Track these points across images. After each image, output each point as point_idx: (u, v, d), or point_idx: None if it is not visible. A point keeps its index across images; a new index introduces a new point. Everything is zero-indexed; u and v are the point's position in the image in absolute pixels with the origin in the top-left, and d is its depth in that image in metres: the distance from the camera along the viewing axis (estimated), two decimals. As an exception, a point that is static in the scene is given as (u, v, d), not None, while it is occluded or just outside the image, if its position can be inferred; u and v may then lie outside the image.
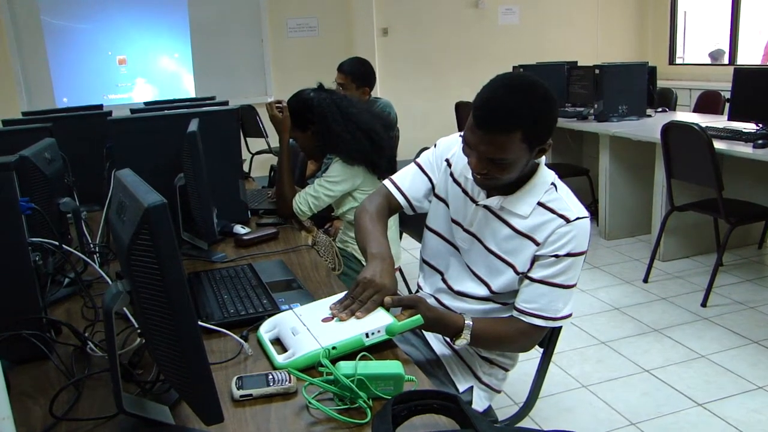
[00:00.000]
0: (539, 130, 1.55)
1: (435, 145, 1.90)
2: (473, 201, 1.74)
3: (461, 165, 1.76)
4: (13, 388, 1.35)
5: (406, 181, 1.90)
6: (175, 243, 0.98)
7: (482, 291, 1.73)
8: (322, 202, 2.68)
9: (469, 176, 1.71)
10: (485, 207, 1.71)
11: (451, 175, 1.82)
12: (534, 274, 1.63)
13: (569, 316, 1.64)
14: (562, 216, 1.61)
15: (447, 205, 1.83)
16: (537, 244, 1.62)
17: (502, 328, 1.66)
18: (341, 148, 2.64)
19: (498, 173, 1.57)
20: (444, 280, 1.83)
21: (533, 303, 1.62)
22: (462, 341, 1.60)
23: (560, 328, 1.78)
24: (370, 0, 7.39)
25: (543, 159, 1.70)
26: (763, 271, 4.25)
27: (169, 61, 7.25)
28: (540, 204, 1.64)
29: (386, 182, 1.93)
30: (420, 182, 1.88)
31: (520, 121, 1.50)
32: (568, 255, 1.59)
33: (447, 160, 1.84)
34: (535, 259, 1.63)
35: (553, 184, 1.67)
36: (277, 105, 2.79)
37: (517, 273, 1.66)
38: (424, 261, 1.93)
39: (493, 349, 1.79)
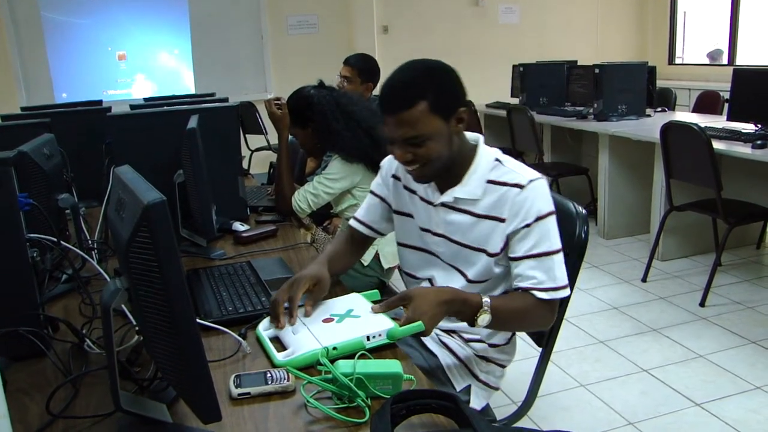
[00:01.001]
0: (444, 97, 1.57)
1: (380, 167, 1.92)
2: (430, 203, 1.74)
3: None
4: (9, 385, 1.36)
5: (363, 211, 1.95)
6: (174, 241, 0.98)
7: (460, 282, 1.72)
8: (321, 199, 2.68)
9: None
10: (442, 205, 1.71)
11: (405, 187, 1.82)
12: (516, 253, 1.61)
13: (567, 285, 1.61)
14: (515, 185, 1.60)
15: (413, 217, 1.82)
16: (502, 220, 1.62)
17: (518, 303, 1.61)
18: (341, 145, 2.63)
19: (424, 154, 1.58)
20: (431, 283, 1.82)
21: (529, 279, 1.59)
22: (485, 317, 1.54)
23: (559, 326, 1.77)
24: (371, -3, 7.39)
25: (481, 139, 1.71)
26: (761, 271, 4.25)
27: (168, 57, 7.24)
28: (490, 182, 1.64)
29: (351, 220, 1.98)
30: (374, 206, 1.91)
31: (420, 91, 1.54)
32: (537, 219, 1.58)
33: (394, 176, 1.85)
34: (509, 239, 1.62)
35: (497, 159, 1.67)
36: (276, 102, 2.78)
37: (489, 255, 1.65)
38: (407, 274, 1.91)
39: (514, 328, 1.75)
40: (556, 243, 1.60)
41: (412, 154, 1.59)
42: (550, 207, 1.61)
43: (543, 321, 1.65)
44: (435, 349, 1.79)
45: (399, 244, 1.90)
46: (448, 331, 1.81)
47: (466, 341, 1.80)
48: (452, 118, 1.58)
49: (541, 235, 1.58)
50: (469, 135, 1.71)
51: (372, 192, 1.93)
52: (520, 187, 1.59)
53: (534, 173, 1.63)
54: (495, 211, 1.63)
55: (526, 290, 1.60)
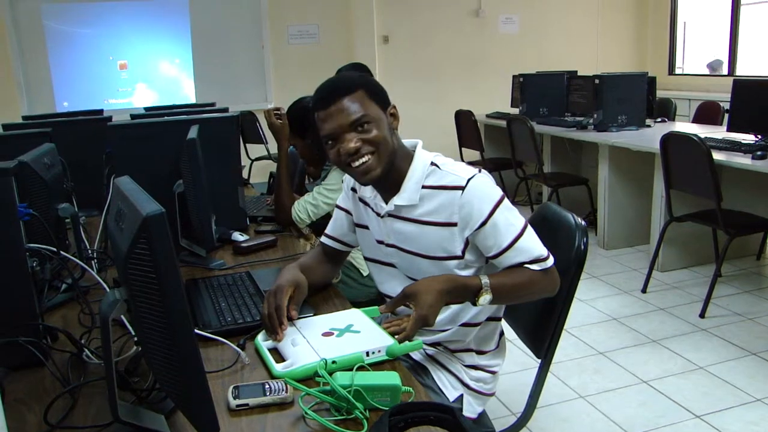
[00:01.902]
0: (376, 88, 1.67)
1: (342, 181, 1.94)
2: (379, 215, 1.76)
3: (364, 187, 1.78)
4: (7, 395, 1.36)
5: (330, 226, 1.98)
6: (173, 253, 0.98)
7: None
8: (320, 210, 2.68)
9: (370, 193, 1.75)
10: (388, 215, 1.72)
11: (360, 199, 1.84)
12: (490, 252, 1.62)
13: (549, 253, 1.64)
14: (455, 188, 1.62)
15: (369, 229, 1.84)
16: (453, 224, 1.63)
17: (517, 278, 1.62)
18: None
19: (373, 139, 1.60)
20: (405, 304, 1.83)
21: (517, 264, 1.62)
22: (486, 297, 1.57)
23: (558, 337, 1.77)
24: (371, 8, 7.41)
25: (419, 144, 1.73)
26: (761, 282, 4.25)
27: (169, 67, 7.27)
28: (426, 187, 1.66)
29: (321, 237, 2.01)
30: (340, 220, 1.94)
31: (355, 81, 1.64)
32: (490, 214, 1.59)
33: (353, 188, 1.87)
34: (470, 241, 1.63)
35: (433, 163, 1.68)
36: (275, 112, 2.79)
37: (450, 259, 1.66)
38: (383, 294, 1.92)
39: (520, 299, 1.73)
40: (518, 223, 1.62)
41: (360, 141, 1.60)
42: (497, 195, 1.62)
43: (548, 287, 1.66)
44: (424, 362, 1.80)
45: (365, 258, 1.93)
46: (433, 344, 1.81)
47: (452, 352, 1.80)
48: (387, 111, 1.66)
49: (501, 226, 1.59)
50: (408, 141, 1.75)
51: (337, 206, 1.95)
52: (461, 188, 1.61)
53: (471, 170, 1.64)
54: (441, 216, 1.64)
55: (521, 265, 1.62)
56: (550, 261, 1.64)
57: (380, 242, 1.80)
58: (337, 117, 1.60)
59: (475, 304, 1.60)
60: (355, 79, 1.64)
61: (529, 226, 1.64)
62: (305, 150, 2.82)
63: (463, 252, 1.65)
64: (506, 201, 1.63)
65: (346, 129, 1.60)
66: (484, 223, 1.59)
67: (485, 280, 1.58)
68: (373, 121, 1.61)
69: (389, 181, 1.68)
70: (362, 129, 1.60)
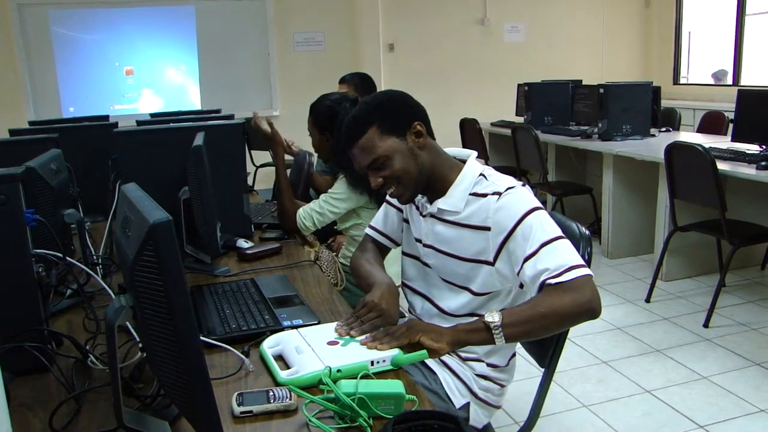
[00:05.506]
0: (392, 116, 1.69)
1: None
2: (422, 214, 1.81)
3: None
4: (12, 400, 1.36)
5: (381, 221, 2.02)
6: (179, 260, 0.99)
7: (465, 297, 1.73)
8: (326, 218, 2.68)
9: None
10: (430, 216, 1.77)
11: None
12: (520, 261, 1.57)
13: (584, 264, 1.54)
14: (494, 194, 1.64)
15: (410, 225, 1.89)
16: (488, 229, 1.64)
17: (542, 305, 1.50)
18: (349, 168, 2.63)
19: (391, 174, 1.68)
20: (431, 301, 1.84)
21: (542, 274, 1.51)
22: (500, 336, 1.49)
23: (562, 346, 1.77)
24: (377, 16, 7.44)
25: (472, 155, 1.77)
26: (765, 292, 4.23)
27: (175, 73, 7.30)
28: (472, 194, 1.70)
29: (367, 229, 2.05)
30: (392, 216, 1.99)
31: (366, 119, 1.68)
32: (523, 218, 1.58)
33: None
34: (502, 248, 1.62)
35: (482, 174, 1.72)
36: (266, 119, 2.81)
37: (485, 264, 1.67)
38: (406, 286, 1.94)
39: (551, 329, 1.58)
40: (552, 232, 1.56)
41: (381, 178, 1.69)
42: (533, 203, 1.62)
43: (579, 307, 1.51)
44: (434, 367, 1.80)
45: (402, 253, 1.96)
46: None
47: (464, 360, 1.80)
48: (408, 134, 1.69)
49: (532, 231, 1.57)
50: (461, 151, 1.80)
51: (388, 202, 1.99)
52: (498, 194, 1.63)
53: (514, 182, 1.68)
54: (477, 219, 1.66)
55: (544, 285, 1.51)
56: (579, 273, 1.50)
57: (418, 240, 1.84)
58: (357, 159, 1.71)
59: (495, 344, 1.51)
60: (365, 119, 1.68)
61: (566, 240, 1.56)
62: (320, 143, 2.82)
63: (495, 259, 1.65)
64: (543, 211, 1.61)
65: (365, 170, 1.70)
66: (515, 227, 1.58)
67: (493, 321, 1.49)
68: (388, 157, 1.66)
69: (434, 188, 1.74)
70: (379, 167, 1.68)
